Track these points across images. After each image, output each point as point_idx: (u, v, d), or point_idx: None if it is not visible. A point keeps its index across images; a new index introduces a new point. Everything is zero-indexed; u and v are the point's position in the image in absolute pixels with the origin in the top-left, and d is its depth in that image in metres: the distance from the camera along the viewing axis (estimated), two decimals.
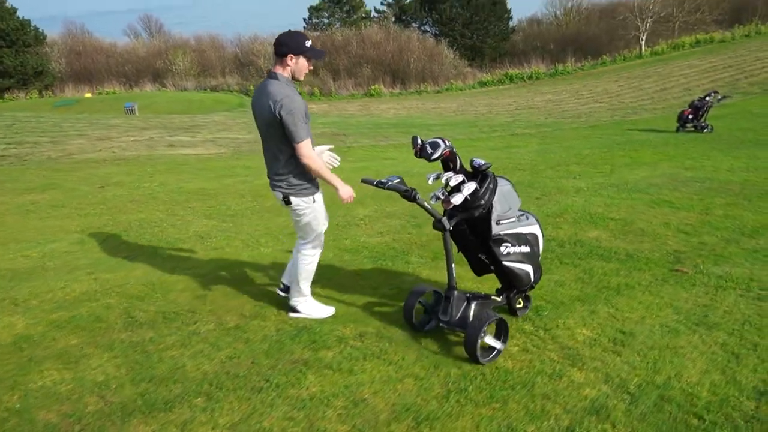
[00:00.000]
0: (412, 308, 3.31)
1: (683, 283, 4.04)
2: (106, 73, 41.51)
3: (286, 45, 3.12)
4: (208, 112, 22.47)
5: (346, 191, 3.23)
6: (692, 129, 14.05)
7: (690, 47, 39.61)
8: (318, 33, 44.08)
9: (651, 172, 8.81)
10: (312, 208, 3.31)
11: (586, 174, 8.85)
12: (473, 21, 46.53)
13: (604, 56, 41.14)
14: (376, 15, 48.45)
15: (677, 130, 14.27)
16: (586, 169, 9.34)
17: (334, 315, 3.58)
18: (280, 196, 3.28)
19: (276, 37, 3.17)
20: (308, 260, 3.45)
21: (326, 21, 46.82)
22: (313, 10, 46.80)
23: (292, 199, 3.24)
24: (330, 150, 3.52)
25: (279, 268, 4.24)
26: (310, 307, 3.54)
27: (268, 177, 3.34)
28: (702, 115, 13.96)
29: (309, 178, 3.25)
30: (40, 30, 40.96)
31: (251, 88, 37.81)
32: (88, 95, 30.40)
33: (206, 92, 29.95)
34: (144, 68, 41.07)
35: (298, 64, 3.16)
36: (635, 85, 29.09)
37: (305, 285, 3.49)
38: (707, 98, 13.93)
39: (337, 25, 45.49)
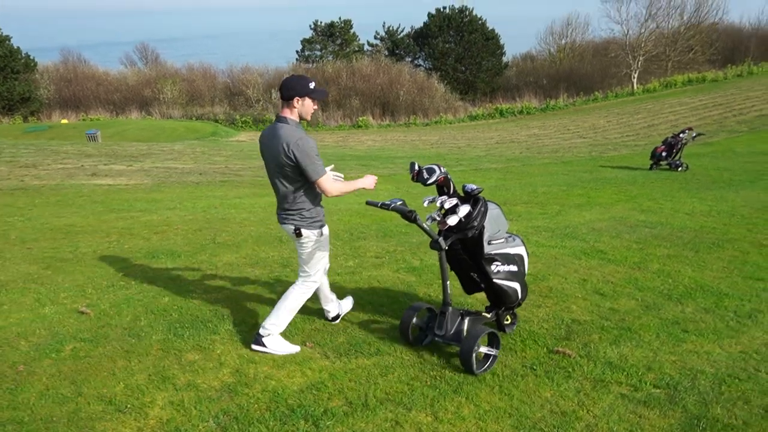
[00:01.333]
0: (409, 325, 3.47)
1: (555, 374, 3.03)
2: (95, 100, 41.30)
3: (293, 89, 3.23)
4: (176, 140, 21.80)
5: (368, 182, 3.39)
6: (667, 167, 13.16)
7: (682, 85, 39.31)
8: (309, 65, 43.97)
9: (601, 214, 7.86)
10: (319, 241, 3.45)
11: (528, 215, 7.90)
12: (466, 56, 46.46)
13: (596, 93, 40.83)
14: (369, 48, 48.50)
15: (651, 168, 13.38)
16: (532, 209, 8.40)
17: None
18: (292, 228, 3.39)
19: (282, 80, 3.29)
20: (302, 294, 3.53)
21: (318, 54, 46.81)
22: (306, 43, 46.85)
23: (303, 231, 3.37)
24: (331, 170, 3.52)
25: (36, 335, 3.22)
26: (277, 343, 3.51)
27: (279, 211, 3.47)
28: (676, 153, 13.08)
29: (319, 212, 3.44)
30: (32, 57, 41.01)
31: (237, 117, 37.48)
32: (64, 122, 29.93)
33: (182, 120, 29.39)
34: (132, 96, 40.85)
35: (304, 106, 3.28)
36: (623, 121, 28.47)
37: (287, 318, 3.52)
38: (681, 135, 13.09)
39: (330, 58, 45.43)
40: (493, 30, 47.36)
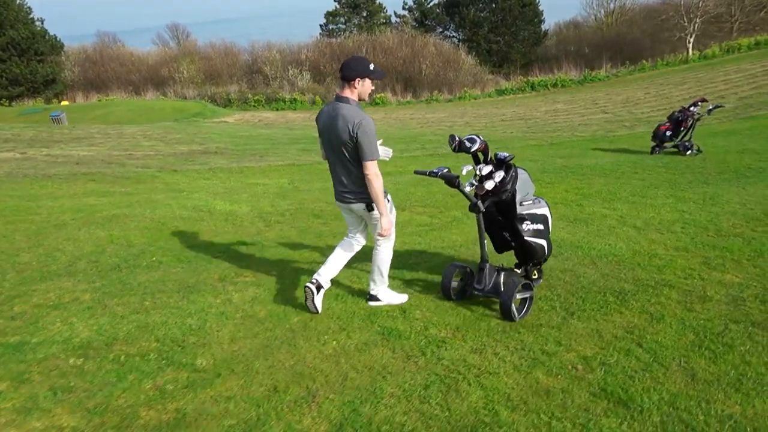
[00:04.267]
0: (450, 282, 3.80)
1: None
2: (116, 80, 41.25)
3: (355, 69, 3.34)
4: (155, 121, 20.56)
5: (387, 223, 3.47)
6: (674, 150, 10.36)
7: (747, 50, 34.35)
8: (332, 40, 41.86)
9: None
10: (389, 206, 3.53)
11: (410, 221, 5.72)
12: (500, 25, 42.86)
13: (644, 61, 36.47)
14: (397, 20, 45.75)
15: (653, 152, 10.62)
16: (430, 210, 6.18)
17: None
18: (363, 206, 3.51)
19: (343, 62, 3.38)
20: (387, 252, 3.68)
21: (343, 27, 44.57)
22: (330, 16, 44.69)
23: (374, 205, 3.46)
24: (381, 144, 3.54)
25: None
26: (388, 295, 3.81)
27: (341, 192, 3.54)
28: (686, 131, 10.24)
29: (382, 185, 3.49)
30: (58, 39, 41.26)
31: (250, 96, 36.16)
32: (65, 103, 29.52)
33: (175, 100, 28.20)
34: (150, 76, 40.46)
35: (364, 86, 3.40)
36: (664, 93, 24.78)
37: (385, 274, 3.73)
38: (692, 108, 10.20)
39: (354, 31, 43.11)
40: None
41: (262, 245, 5.19)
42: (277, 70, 39.44)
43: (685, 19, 35.90)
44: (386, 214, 3.41)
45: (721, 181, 7.67)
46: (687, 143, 10.14)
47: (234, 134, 15.79)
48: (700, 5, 35.92)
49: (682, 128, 10.28)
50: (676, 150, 10.33)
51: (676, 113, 10.43)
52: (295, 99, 35.18)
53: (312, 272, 3.79)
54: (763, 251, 4.56)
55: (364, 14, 45.05)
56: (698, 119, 10.28)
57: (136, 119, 21.36)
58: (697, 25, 35.93)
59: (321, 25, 45.23)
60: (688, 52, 35.72)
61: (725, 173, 8.23)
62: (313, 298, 3.56)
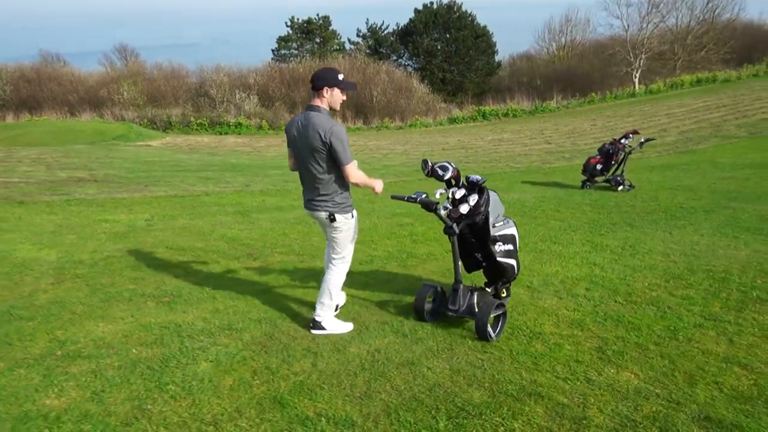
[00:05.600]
0: (423, 303, 3.75)
1: None
2: (53, 101, 38.97)
3: (323, 79, 3.42)
4: (67, 144, 18.76)
5: (379, 185, 3.57)
6: (606, 184, 9.46)
7: (690, 86, 35.08)
8: (282, 65, 40.79)
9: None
10: (350, 224, 3.59)
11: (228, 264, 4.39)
12: (454, 55, 42.80)
13: (593, 94, 36.80)
14: (351, 47, 45.17)
15: (583, 186, 9.70)
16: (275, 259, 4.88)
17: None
18: (325, 215, 3.55)
19: (313, 73, 3.48)
20: (340, 274, 3.67)
21: (295, 52, 43.63)
22: (281, 41, 43.74)
23: (337, 216, 3.52)
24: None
25: None
26: (333, 323, 3.67)
27: (308, 200, 3.60)
28: (617, 166, 9.37)
29: (348, 198, 3.58)
30: None
31: (192, 119, 34.53)
32: None
33: (98, 122, 26.31)
34: (89, 97, 38.38)
35: (333, 96, 3.44)
36: (610, 125, 24.54)
37: (335, 296, 3.66)
38: (623, 141, 9.35)
39: (306, 57, 42.20)
40: (484, 27, 43.67)
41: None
42: (224, 94, 38.03)
43: (631, 54, 36.57)
44: (377, 184, 3.51)
45: (648, 223, 6.69)
46: (619, 178, 9.27)
47: (141, 160, 14.25)
48: (645, 42, 36.71)
49: (613, 162, 9.42)
50: (607, 185, 9.45)
51: (606, 145, 9.58)
52: (240, 123, 33.82)
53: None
54: (678, 329, 3.46)
55: (318, 40, 44.35)
56: (629, 152, 9.44)
57: (49, 141, 19.50)
58: (642, 61, 36.66)
59: (273, 50, 44.21)
60: (634, 86, 36.25)
61: (654, 213, 7.29)
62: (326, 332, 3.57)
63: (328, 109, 3.42)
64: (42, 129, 22.45)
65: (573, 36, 46.26)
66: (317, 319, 3.60)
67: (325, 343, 3.37)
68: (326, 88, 3.35)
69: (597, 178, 9.68)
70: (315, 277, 4.80)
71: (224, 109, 36.65)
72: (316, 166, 3.39)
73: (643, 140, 9.49)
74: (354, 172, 3.36)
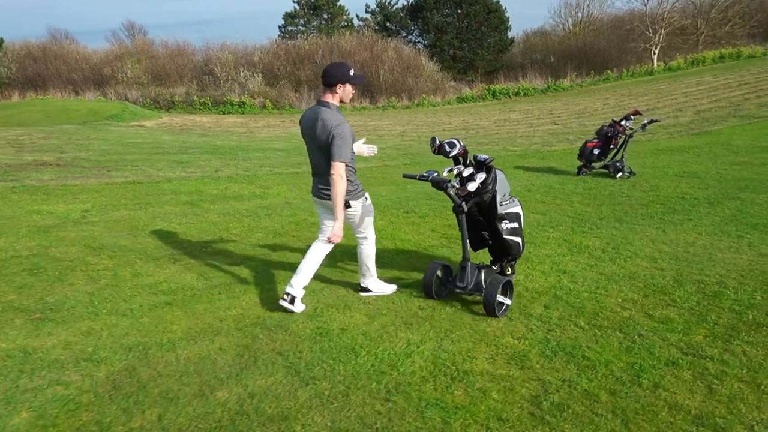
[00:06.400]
0: (431, 281, 3.79)
1: None
2: (58, 79, 38.66)
3: (335, 76, 3.52)
4: (58, 123, 18.25)
5: (338, 229, 3.48)
6: (604, 170, 8.60)
7: (712, 62, 33.36)
8: (287, 42, 39.78)
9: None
10: (365, 206, 3.74)
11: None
12: (465, 31, 41.29)
13: (609, 71, 35.24)
14: (359, 23, 43.90)
15: (579, 172, 8.84)
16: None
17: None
18: None
19: (324, 68, 3.58)
20: (369, 248, 3.87)
21: (302, 29, 42.52)
22: (288, 18, 42.61)
23: (351, 203, 3.62)
24: (363, 142, 3.93)
25: None
26: (378, 285, 3.98)
27: (319, 189, 3.67)
28: (617, 150, 8.50)
29: (358, 184, 3.70)
30: None
31: (195, 98, 33.93)
32: None
33: (94, 101, 25.64)
34: (93, 75, 37.95)
35: (345, 91, 3.57)
36: (623, 104, 23.30)
37: (372, 268, 3.92)
38: (624, 123, 8.46)
39: (313, 33, 41.10)
40: (497, 2, 41.99)
41: None
42: (229, 72, 37.28)
43: (650, 29, 34.83)
44: (341, 219, 3.47)
45: (640, 217, 5.88)
46: (618, 164, 8.39)
47: (122, 141, 13.64)
48: (665, 17, 34.89)
49: (612, 146, 8.54)
50: (605, 171, 8.59)
51: (605, 128, 8.68)
52: (243, 102, 33.11)
53: None
54: (644, 370, 2.73)
55: (325, 17, 43.13)
56: (631, 135, 8.54)
57: (42, 121, 19.03)
58: (662, 37, 34.89)
59: (279, 27, 43.16)
60: (653, 63, 34.62)
61: (651, 205, 6.46)
62: (290, 309, 3.60)
63: (338, 104, 3.60)
64: (37, 108, 21.99)
65: (590, 11, 44.30)
66: (363, 285, 3.94)
67: (190, 384, 2.70)
68: (339, 84, 3.48)
69: (594, 164, 8.82)
70: (238, 284, 4.13)
71: (228, 88, 35.95)
72: (323, 158, 3.50)
73: (646, 122, 8.56)
74: (339, 171, 3.40)
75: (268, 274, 4.36)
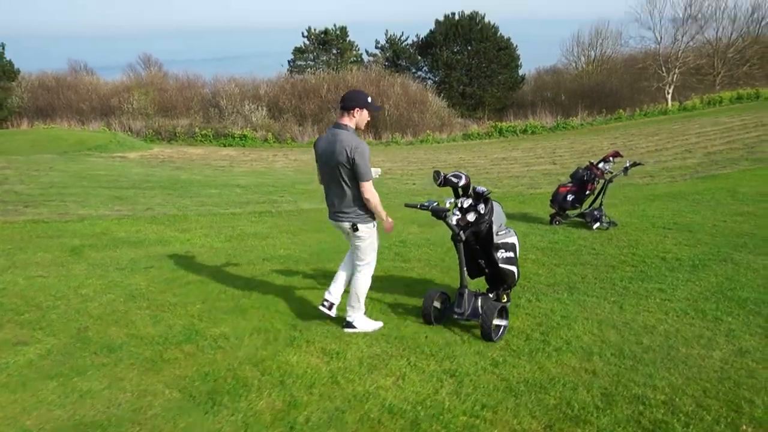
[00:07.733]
0: (431, 308, 3.95)
1: None
2: (68, 109, 39.07)
3: (354, 100, 3.74)
4: (40, 153, 17.70)
5: (389, 223, 3.84)
6: (580, 220, 7.41)
7: (729, 103, 32.06)
8: (293, 77, 39.66)
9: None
10: (372, 232, 3.84)
11: None
12: (475, 68, 40.83)
13: (621, 111, 34.13)
14: (368, 59, 43.82)
15: (552, 221, 7.66)
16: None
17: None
18: (348, 225, 3.77)
19: (345, 94, 3.83)
20: (366, 278, 3.93)
21: (311, 63, 42.55)
22: (297, 53, 42.76)
23: (360, 226, 3.75)
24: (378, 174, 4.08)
25: None
26: (364, 322, 3.95)
27: (333, 211, 3.85)
28: (597, 196, 7.33)
29: (370, 209, 3.81)
30: (12, 65, 39.30)
31: (197, 130, 33.64)
32: None
33: (84, 131, 25.31)
34: (100, 106, 38.27)
35: (361, 116, 3.75)
36: (630, 144, 22.10)
37: (362, 300, 3.94)
38: (602, 165, 7.31)
39: (321, 68, 41.04)
40: (508, 39, 41.59)
41: None
42: (234, 104, 37.20)
43: (663, 69, 33.82)
44: (386, 218, 3.73)
45: (600, 285, 4.69)
46: (596, 212, 7.21)
47: (83, 174, 12.90)
48: (679, 56, 33.91)
49: (588, 191, 7.38)
50: (582, 220, 7.39)
51: (580, 171, 7.55)
52: (245, 135, 32.65)
53: None
54: None
55: (334, 51, 43.18)
56: (611, 180, 7.38)
57: (23, 150, 18.59)
58: (676, 76, 33.83)
59: (289, 61, 43.29)
60: (667, 103, 33.49)
61: (620, 268, 5.27)
62: (329, 315, 3.84)
63: (354, 127, 3.71)
64: (29, 137, 21.71)
65: (603, 49, 43.59)
66: (349, 319, 3.89)
67: None
68: (357, 108, 3.66)
69: (569, 212, 7.64)
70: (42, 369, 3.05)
71: (232, 121, 35.74)
72: (340, 180, 3.63)
73: (628, 164, 7.40)
74: (370, 189, 3.60)
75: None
